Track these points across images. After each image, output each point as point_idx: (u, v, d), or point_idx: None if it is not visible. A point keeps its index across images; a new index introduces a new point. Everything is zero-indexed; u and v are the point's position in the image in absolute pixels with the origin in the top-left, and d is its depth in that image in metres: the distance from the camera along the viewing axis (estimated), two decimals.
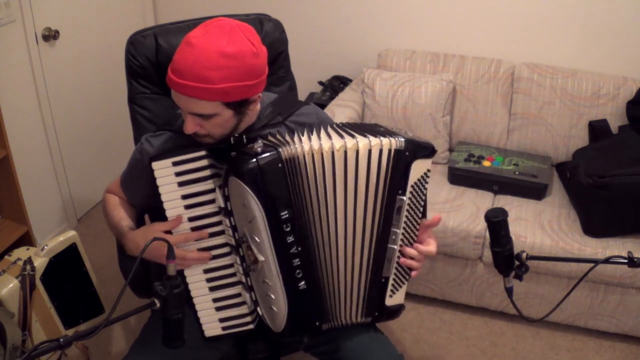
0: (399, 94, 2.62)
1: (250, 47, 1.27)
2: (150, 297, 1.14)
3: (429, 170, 1.39)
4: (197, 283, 1.41)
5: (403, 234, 1.38)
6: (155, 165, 1.35)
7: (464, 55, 2.73)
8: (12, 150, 2.16)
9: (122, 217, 1.49)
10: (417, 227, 1.41)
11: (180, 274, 1.37)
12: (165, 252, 1.15)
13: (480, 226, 2.27)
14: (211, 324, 1.44)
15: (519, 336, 2.38)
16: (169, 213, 1.37)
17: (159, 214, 1.39)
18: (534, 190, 2.44)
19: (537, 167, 2.51)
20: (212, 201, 1.37)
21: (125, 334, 2.33)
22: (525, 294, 2.35)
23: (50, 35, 2.59)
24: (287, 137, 1.34)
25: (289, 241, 1.30)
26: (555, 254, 2.19)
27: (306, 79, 3.07)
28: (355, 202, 1.34)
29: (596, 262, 1.24)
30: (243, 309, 1.44)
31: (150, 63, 1.71)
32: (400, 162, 1.34)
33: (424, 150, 1.36)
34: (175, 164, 1.35)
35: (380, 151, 1.32)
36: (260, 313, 1.41)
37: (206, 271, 1.41)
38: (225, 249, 1.40)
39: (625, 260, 1.21)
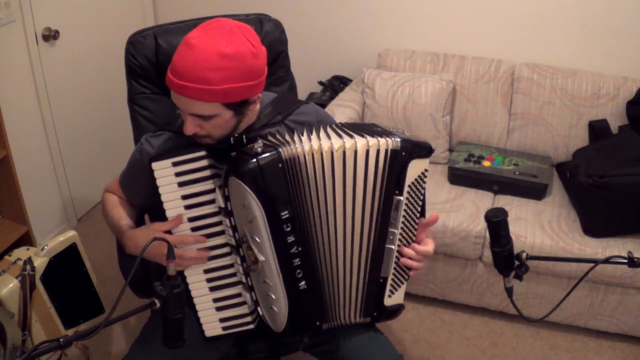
0: (399, 94, 2.62)
1: (249, 48, 1.27)
2: (150, 297, 1.14)
3: (426, 170, 1.38)
4: (198, 283, 1.41)
5: (401, 233, 1.38)
6: (155, 165, 1.35)
7: (464, 55, 2.73)
8: (12, 150, 2.16)
9: (122, 216, 1.49)
10: (416, 227, 1.41)
11: (180, 274, 1.37)
12: (165, 252, 1.15)
13: (480, 226, 2.27)
14: (211, 324, 1.44)
15: (519, 336, 2.38)
16: (169, 213, 1.37)
17: (158, 214, 1.39)
18: (534, 190, 2.44)
19: (537, 167, 2.51)
20: (212, 201, 1.37)
21: (125, 334, 2.33)
22: (525, 294, 2.35)
23: (50, 35, 2.59)
24: (287, 137, 1.34)
25: (289, 241, 1.30)
26: (555, 254, 2.19)
27: (306, 79, 3.07)
28: (354, 202, 1.34)
29: (596, 262, 1.24)
30: (243, 309, 1.44)
31: (150, 63, 1.71)
32: (397, 162, 1.33)
33: (421, 150, 1.36)
34: (175, 164, 1.35)
35: (378, 151, 1.32)
36: (260, 313, 1.41)
37: (206, 271, 1.41)
38: (226, 249, 1.40)
39: (625, 260, 1.21)
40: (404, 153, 1.33)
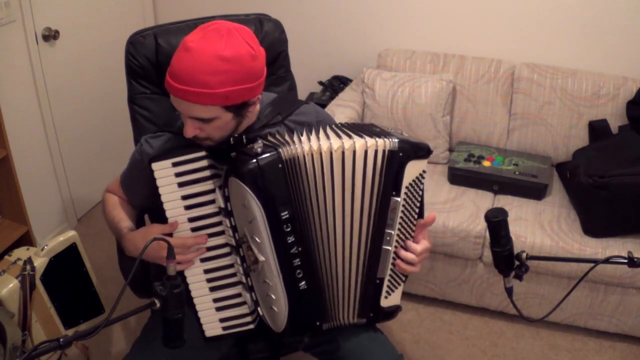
0: (399, 94, 2.62)
1: (248, 50, 1.27)
2: (150, 297, 1.14)
3: (424, 171, 1.38)
4: (198, 283, 1.41)
5: (398, 235, 1.38)
6: (155, 166, 1.35)
7: (464, 55, 2.73)
8: (12, 150, 2.16)
9: (122, 217, 1.49)
10: (413, 228, 1.40)
11: (180, 274, 1.37)
12: (164, 254, 1.15)
13: (480, 226, 2.27)
14: (212, 324, 1.44)
15: (519, 336, 2.38)
16: (169, 214, 1.37)
17: (159, 215, 1.39)
18: (534, 190, 2.44)
19: (537, 167, 2.51)
20: (212, 202, 1.37)
21: (125, 334, 2.33)
22: (525, 294, 2.35)
23: (50, 35, 2.59)
24: (287, 137, 1.34)
25: (289, 241, 1.30)
26: (555, 254, 2.19)
27: (306, 79, 3.07)
28: (352, 203, 1.34)
29: (596, 262, 1.24)
30: (243, 309, 1.44)
31: (150, 63, 1.71)
32: (394, 162, 1.33)
33: (419, 150, 1.35)
34: (175, 164, 1.35)
35: (375, 152, 1.32)
36: (260, 313, 1.41)
37: (206, 271, 1.41)
38: (226, 249, 1.40)
39: (625, 260, 1.21)
40: (401, 154, 1.33)
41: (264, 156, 1.26)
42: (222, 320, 1.44)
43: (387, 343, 1.51)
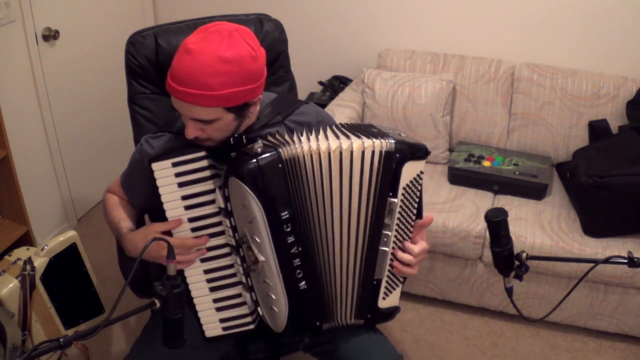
0: (399, 94, 2.62)
1: (249, 51, 1.27)
2: (150, 297, 1.14)
3: (422, 172, 1.37)
4: (198, 283, 1.41)
5: (395, 236, 1.37)
6: (155, 166, 1.35)
7: (464, 55, 2.73)
8: (12, 150, 2.16)
9: (122, 218, 1.49)
10: (411, 229, 1.40)
11: (180, 274, 1.37)
12: (164, 253, 1.15)
13: (480, 226, 2.27)
14: (212, 324, 1.44)
15: (519, 336, 2.38)
16: (169, 214, 1.37)
17: (159, 214, 1.39)
18: (534, 190, 2.44)
19: (537, 167, 2.51)
20: (212, 202, 1.37)
21: (125, 334, 2.33)
22: (525, 294, 2.35)
23: (50, 35, 2.59)
24: (287, 137, 1.34)
25: (289, 241, 1.30)
26: (555, 254, 2.19)
27: (306, 79, 3.07)
28: (350, 204, 1.34)
29: (596, 262, 1.23)
30: (244, 309, 1.44)
31: (150, 63, 1.71)
32: (390, 163, 1.32)
33: (416, 152, 1.34)
34: (175, 164, 1.35)
35: (372, 152, 1.32)
36: (260, 313, 1.41)
37: (207, 271, 1.41)
38: (226, 250, 1.40)
39: (625, 260, 1.21)
40: (398, 155, 1.32)
41: (264, 156, 1.26)
42: (222, 320, 1.44)
43: (387, 343, 1.51)
